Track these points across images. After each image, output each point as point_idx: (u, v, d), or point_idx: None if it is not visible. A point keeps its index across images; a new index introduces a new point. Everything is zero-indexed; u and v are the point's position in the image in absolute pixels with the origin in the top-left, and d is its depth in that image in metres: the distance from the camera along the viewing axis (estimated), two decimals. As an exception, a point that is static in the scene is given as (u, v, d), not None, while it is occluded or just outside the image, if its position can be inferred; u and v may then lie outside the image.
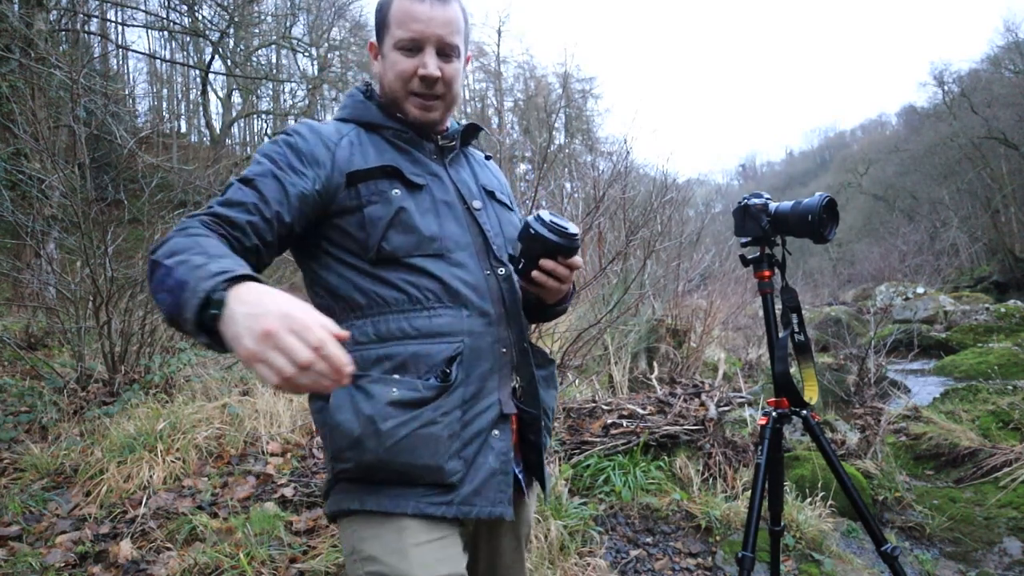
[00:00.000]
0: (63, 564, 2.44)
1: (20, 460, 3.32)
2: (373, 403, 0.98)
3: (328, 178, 1.06)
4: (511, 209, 1.27)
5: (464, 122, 1.27)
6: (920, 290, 13.72)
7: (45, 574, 2.37)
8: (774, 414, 1.54)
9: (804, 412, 1.54)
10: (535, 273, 1.06)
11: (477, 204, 1.16)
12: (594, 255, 5.25)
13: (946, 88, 31.37)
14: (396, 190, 1.07)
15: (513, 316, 1.12)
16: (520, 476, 1.15)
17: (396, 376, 1.01)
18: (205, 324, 0.74)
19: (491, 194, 1.23)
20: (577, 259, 1.09)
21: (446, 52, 1.13)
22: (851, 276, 26.97)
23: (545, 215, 1.06)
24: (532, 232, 1.04)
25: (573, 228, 1.06)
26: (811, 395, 1.55)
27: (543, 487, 1.20)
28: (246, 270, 0.78)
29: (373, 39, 1.20)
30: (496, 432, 1.05)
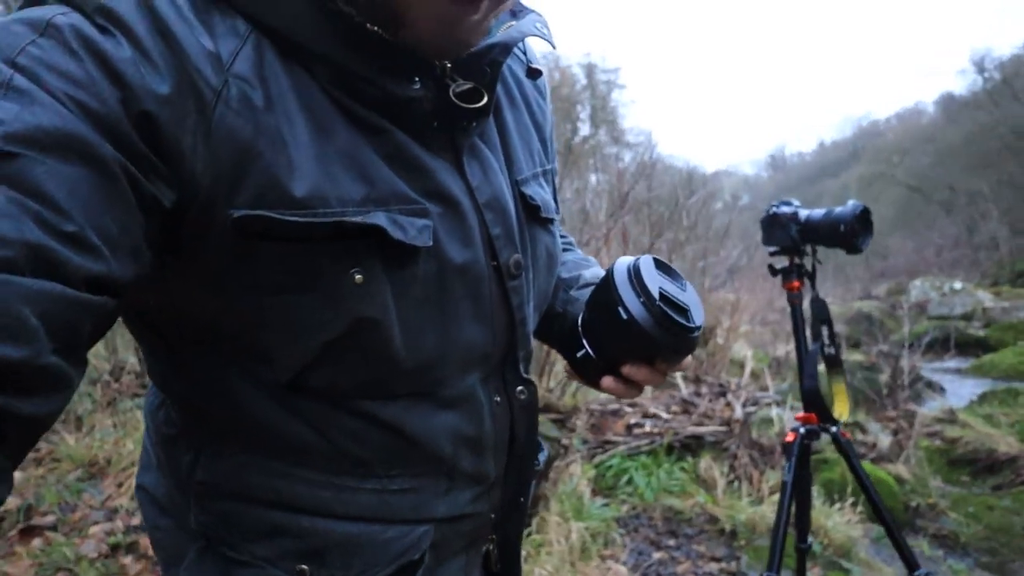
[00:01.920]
0: (96, 555, 2.52)
1: (56, 450, 3.43)
2: None
3: (186, 185, 0.45)
4: (553, 222, 0.70)
5: (500, 34, 0.58)
6: (957, 285, 13.30)
7: (79, 564, 2.45)
8: (802, 430, 1.50)
9: (834, 428, 1.50)
10: (606, 381, 0.65)
11: (516, 260, 0.61)
12: (618, 252, 5.20)
13: (986, 75, 30.27)
14: (359, 272, 0.50)
15: (519, 465, 0.68)
16: None
17: (304, 567, 0.58)
18: None
19: (533, 211, 0.65)
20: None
21: None
22: (884, 270, 26.29)
23: (650, 277, 0.60)
24: (622, 314, 0.58)
25: (696, 312, 0.61)
26: (841, 411, 1.50)
27: None
28: None
29: None
30: None
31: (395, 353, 0.53)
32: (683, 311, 0.59)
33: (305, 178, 0.47)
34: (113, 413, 3.93)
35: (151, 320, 0.56)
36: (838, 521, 3.06)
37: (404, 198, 0.51)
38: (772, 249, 1.57)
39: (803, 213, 1.53)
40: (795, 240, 1.52)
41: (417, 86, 0.51)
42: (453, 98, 0.54)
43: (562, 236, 0.83)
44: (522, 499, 0.71)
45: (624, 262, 0.62)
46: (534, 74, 0.69)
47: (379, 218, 0.49)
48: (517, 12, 0.61)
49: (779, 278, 1.58)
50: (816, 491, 3.40)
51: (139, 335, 0.59)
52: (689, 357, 0.64)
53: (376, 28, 0.49)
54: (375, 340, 0.52)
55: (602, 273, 0.77)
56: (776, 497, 3.30)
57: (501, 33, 0.57)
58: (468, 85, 0.54)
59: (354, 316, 0.50)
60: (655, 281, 0.59)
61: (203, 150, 0.44)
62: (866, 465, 3.73)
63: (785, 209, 1.54)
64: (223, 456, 0.58)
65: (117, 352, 4.52)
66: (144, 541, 2.58)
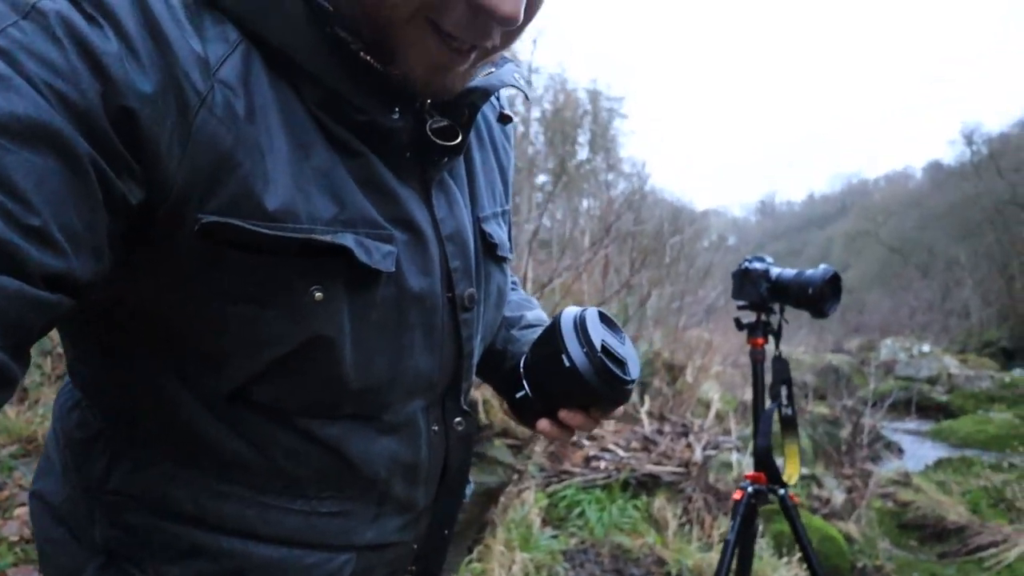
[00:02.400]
0: (18, 538, 2.41)
1: (-5, 422, 3.31)
2: None
3: (160, 187, 0.44)
4: (507, 261, 0.71)
5: (480, 79, 0.59)
6: (926, 348, 13.56)
7: None
8: (750, 489, 1.49)
9: (782, 491, 1.48)
10: (541, 423, 0.67)
11: (471, 294, 0.61)
12: (598, 280, 5.21)
13: (974, 148, 31.15)
14: (318, 290, 0.50)
15: (448, 496, 0.68)
16: None
17: None
18: None
19: (491, 248, 0.66)
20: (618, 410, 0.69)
21: None
22: (858, 325, 26.72)
23: (595, 329, 0.63)
24: (565, 362, 0.61)
25: (632, 367, 0.64)
26: (792, 473, 1.49)
27: None
28: None
29: None
30: None
31: (344, 374, 0.53)
32: (621, 364, 0.63)
33: (279, 193, 0.47)
34: (62, 387, 3.82)
35: (96, 318, 0.53)
36: (784, 574, 3.05)
37: (372, 223, 0.52)
38: (741, 303, 1.57)
39: (774, 271, 1.53)
40: (764, 297, 1.51)
41: (396, 116, 0.52)
42: (429, 133, 0.55)
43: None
44: (447, 531, 0.70)
45: (571, 312, 0.65)
46: (505, 120, 0.72)
47: (347, 239, 0.49)
48: (496, 61, 0.62)
49: (745, 332, 1.57)
50: (766, 543, 3.39)
51: (72, 332, 0.57)
52: (646, 397, 0.65)
53: (369, 58, 0.50)
54: (327, 359, 0.52)
55: (543, 315, 0.83)
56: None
57: (481, 78, 0.58)
58: (444, 122, 0.57)
59: (310, 333, 0.50)
60: (598, 333, 0.63)
61: (179, 152, 0.43)
62: (817, 521, 3.73)
63: (757, 265, 1.54)
64: (144, 466, 0.55)
65: (76, 324, 4.40)
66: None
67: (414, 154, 0.56)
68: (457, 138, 0.57)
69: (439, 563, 0.73)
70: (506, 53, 0.62)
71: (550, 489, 3.34)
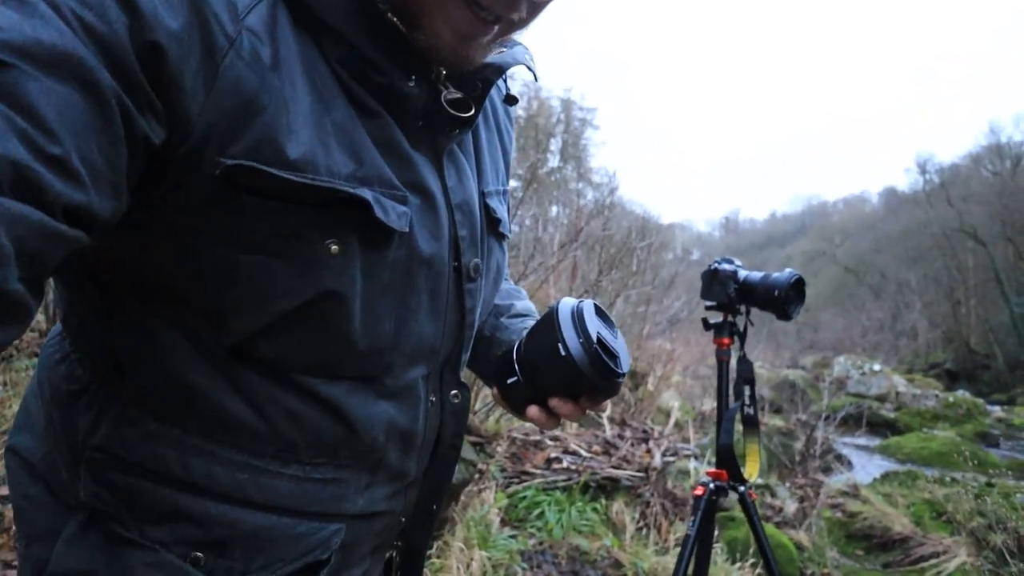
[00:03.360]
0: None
1: (-71, 403, 3.13)
2: None
3: (181, 125, 0.43)
4: (505, 239, 0.72)
5: (494, 56, 0.59)
6: (876, 367, 14.03)
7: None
8: (711, 486, 1.51)
9: (742, 488, 1.51)
10: (531, 410, 0.67)
11: (476, 264, 0.63)
12: (566, 286, 5.24)
13: (927, 177, 32.58)
14: (334, 243, 0.50)
15: (438, 468, 0.68)
16: None
17: (199, 555, 0.53)
18: None
19: (494, 223, 0.68)
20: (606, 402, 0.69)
21: None
22: (813, 342, 27.53)
23: (591, 322, 0.63)
24: (561, 351, 0.62)
25: (624, 359, 0.65)
26: (752, 471, 1.52)
27: None
28: None
29: None
30: None
31: (352, 333, 0.53)
32: (614, 357, 0.63)
33: (301, 142, 0.47)
34: (6, 370, 3.63)
35: (96, 265, 0.52)
36: (737, 580, 3.10)
37: (388, 183, 0.53)
38: (709, 304, 1.59)
39: (742, 273, 1.56)
40: (731, 298, 1.54)
41: (413, 84, 0.53)
42: (444, 103, 0.56)
43: None
44: (434, 506, 0.70)
45: (569, 303, 0.66)
46: (511, 100, 0.74)
47: (366, 194, 0.50)
48: (509, 41, 0.63)
49: (712, 333, 1.59)
50: (720, 548, 3.44)
51: (69, 279, 0.55)
52: (609, 402, 0.65)
53: (396, 20, 0.51)
54: (336, 315, 0.52)
55: (531, 306, 0.84)
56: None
57: (494, 55, 0.59)
58: (458, 95, 0.58)
59: (321, 288, 0.50)
60: (595, 325, 0.63)
61: (203, 93, 0.43)
62: (769, 528, 3.81)
63: (726, 267, 1.57)
64: (132, 423, 0.53)
65: (23, 307, 4.20)
66: (8, 514, 2.35)
67: (425, 124, 0.57)
68: (470, 111, 0.58)
69: (424, 539, 0.72)
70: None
71: (511, 490, 3.33)
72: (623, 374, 0.64)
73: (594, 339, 0.62)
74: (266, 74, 0.45)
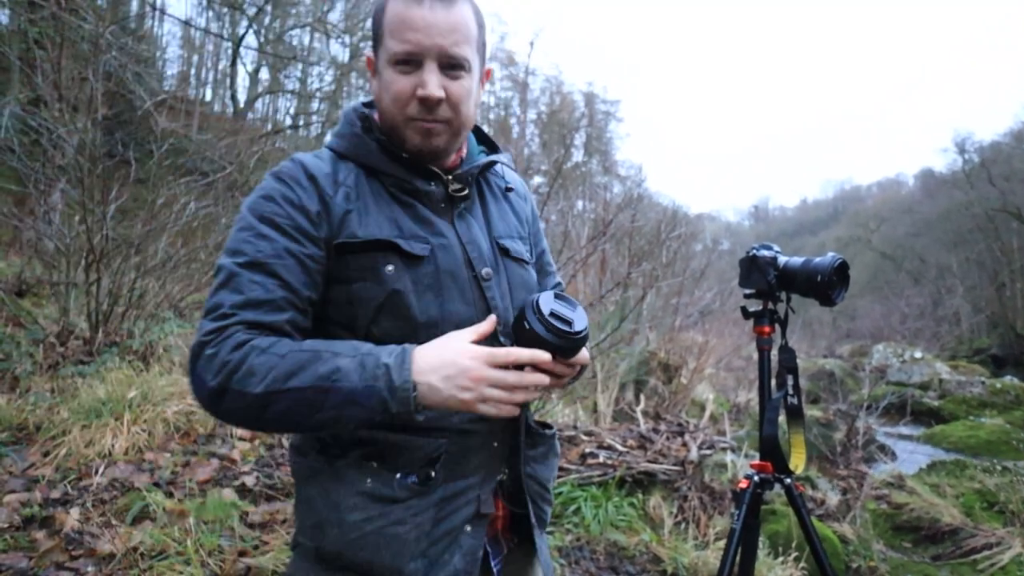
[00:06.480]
0: (7, 525, 2.36)
1: (-15, 410, 3.24)
2: (343, 489, 0.91)
3: (327, 239, 0.92)
4: (527, 263, 1.10)
5: (483, 156, 1.10)
6: (917, 354, 13.62)
7: (-13, 533, 2.29)
8: (756, 479, 1.46)
9: (788, 480, 1.46)
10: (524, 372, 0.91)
11: (487, 272, 1.00)
12: (595, 280, 5.19)
13: (966, 156, 31.40)
14: (390, 266, 0.92)
15: None
16: (506, 547, 1.05)
17: (373, 464, 0.92)
18: (404, 409, 0.83)
19: (505, 251, 1.05)
20: (583, 355, 0.96)
21: (452, 65, 0.93)
22: (850, 331, 26.84)
23: (546, 303, 0.91)
24: (526, 326, 0.89)
25: (579, 323, 0.91)
26: (798, 463, 1.47)
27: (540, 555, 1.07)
28: (391, 347, 0.87)
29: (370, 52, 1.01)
30: (468, 528, 0.95)
31: (413, 314, 0.93)
32: (567, 322, 0.90)
33: (368, 227, 0.94)
34: (53, 377, 3.74)
35: (318, 311, 0.97)
36: (780, 574, 3.03)
37: (414, 235, 0.96)
38: (748, 291, 1.55)
39: (782, 259, 1.51)
40: (771, 285, 1.49)
41: (431, 185, 1.00)
42: (450, 192, 1.02)
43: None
44: (521, 438, 1.03)
45: (532, 295, 0.95)
46: (510, 190, 1.17)
47: (398, 239, 0.95)
48: (496, 149, 1.15)
49: (751, 322, 1.55)
50: (762, 542, 3.38)
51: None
52: (584, 353, 0.97)
53: (395, 150, 0.99)
54: (401, 305, 0.92)
55: None
56: (721, 543, 3.27)
57: (479, 160, 1.08)
58: (459, 185, 1.03)
59: (389, 289, 0.92)
60: (548, 304, 0.91)
61: (326, 222, 0.93)
62: (813, 521, 3.72)
63: (765, 253, 1.52)
64: None
65: (68, 315, 4.33)
66: (60, 516, 2.43)
67: (445, 204, 1.02)
68: (465, 192, 1.04)
69: (519, 465, 1.02)
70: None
71: (546, 485, 3.31)
72: (578, 332, 0.90)
73: (547, 313, 0.89)
74: (352, 202, 0.95)
